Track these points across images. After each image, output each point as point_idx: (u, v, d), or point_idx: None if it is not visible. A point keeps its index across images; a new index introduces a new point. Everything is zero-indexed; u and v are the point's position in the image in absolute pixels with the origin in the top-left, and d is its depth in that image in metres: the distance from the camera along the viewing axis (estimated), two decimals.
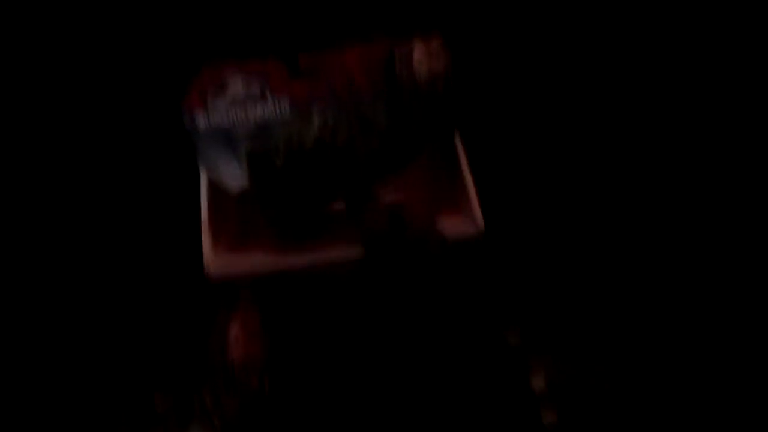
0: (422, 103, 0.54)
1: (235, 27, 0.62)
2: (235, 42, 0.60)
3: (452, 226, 0.54)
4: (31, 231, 0.58)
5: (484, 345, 0.47)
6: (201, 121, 0.54)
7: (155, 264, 0.55)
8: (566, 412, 0.44)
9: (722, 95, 0.61)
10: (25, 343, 0.53)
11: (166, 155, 0.59)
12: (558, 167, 0.59)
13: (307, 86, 0.54)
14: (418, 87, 0.54)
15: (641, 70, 0.63)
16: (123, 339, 0.50)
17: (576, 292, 0.51)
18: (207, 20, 0.62)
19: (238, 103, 0.54)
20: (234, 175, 0.55)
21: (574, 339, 0.47)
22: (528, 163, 0.60)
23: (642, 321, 0.50)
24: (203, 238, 0.54)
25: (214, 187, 0.56)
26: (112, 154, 0.61)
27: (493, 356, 0.46)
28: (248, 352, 0.46)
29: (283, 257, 0.53)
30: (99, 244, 0.57)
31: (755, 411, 0.46)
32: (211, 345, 0.46)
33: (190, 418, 0.44)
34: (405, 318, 0.51)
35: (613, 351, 0.47)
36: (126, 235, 0.57)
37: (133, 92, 0.62)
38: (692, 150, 0.60)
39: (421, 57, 0.54)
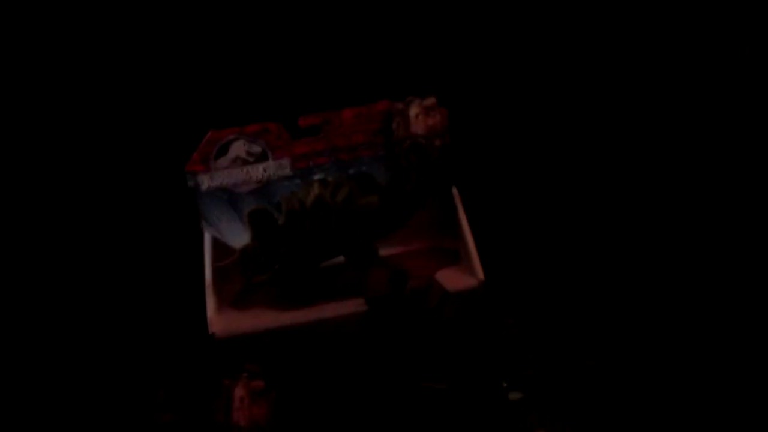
0: (420, 159, 0.55)
1: (237, 92, 0.64)
2: (237, 106, 0.62)
3: (453, 278, 0.55)
4: (31, 288, 0.59)
5: (484, 399, 0.47)
6: (203, 181, 0.55)
7: (158, 327, 0.55)
8: None
9: (724, 103, 0.61)
10: (23, 406, 0.53)
11: (169, 218, 0.60)
12: (556, 218, 0.60)
13: (307, 146, 0.55)
14: (416, 143, 0.55)
15: (638, 117, 0.64)
16: (125, 405, 0.50)
17: (579, 345, 0.51)
18: (209, 87, 0.64)
19: (240, 164, 0.55)
20: (236, 234, 0.56)
21: (577, 396, 0.47)
22: (526, 215, 0.61)
23: (651, 378, 0.50)
24: (207, 298, 0.54)
25: (217, 247, 0.57)
26: (115, 217, 0.62)
27: (492, 411, 0.47)
28: (254, 414, 0.46)
29: (286, 314, 0.54)
30: (103, 305, 0.58)
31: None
32: (215, 408, 0.46)
33: None
34: (407, 372, 0.51)
35: (619, 408, 0.48)
36: (129, 297, 0.57)
37: (137, 157, 0.63)
38: (698, 189, 0.60)
39: (418, 113, 0.55)
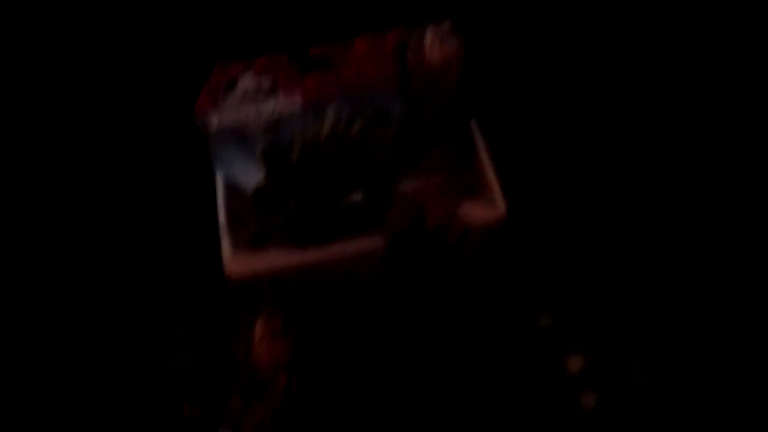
0: (436, 90, 0.53)
1: (244, 26, 0.61)
2: (244, 41, 0.59)
3: (474, 212, 0.53)
4: (48, 238, 0.58)
5: (514, 329, 0.46)
6: (213, 121, 0.53)
7: (175, 270, 0.54)
8: (605, 395, 0.42)
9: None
10: (46, 351, 0.52)
11: (180, 159, 0.58)
12: (578, 147, 0.58)
13: (318, 80, 0.53)
14: (431, 73, 0.53)
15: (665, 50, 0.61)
16: (145, 346, 0.50)
17: (605, 271, 0.50)
18: (215, 21, 0.62)
19: (250, 101, 0.53)
20: (249, 174, 0.54)
21: (608, 320, 0.46)
22: (547, 146, 0.59)
23: (676, 300, 0.49)
24: (222, 240, 0.53)
25: (230, 188, 0.55)
26: (126, 159, 0.60)
27: (524, 340, 0.45)
28: (273, 352, 0.45)
29: (303, 253, 0.52)
30: (118, 251, 0.57)
31: None
32: (235, 348, 0.45)
33: (218, 423, 0.44)
34: (430, 309, 0.50)
35: (649, 331, 0.46)
36: (144, 241, 0.56)
37: (143, 95, 0.62)
38: (714, 118, 0.58)
39: (432, 42, 0.53)
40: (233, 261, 0.52)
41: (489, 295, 0.49)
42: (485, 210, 0.53)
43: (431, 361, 0.48)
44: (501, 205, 0.52)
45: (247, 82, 0.53)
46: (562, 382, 0.43)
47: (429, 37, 0.53)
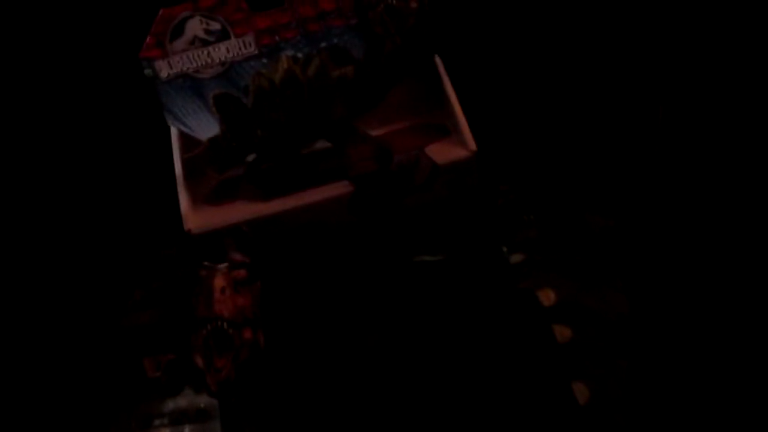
0: (397, 24, 0.50)
1: None
2: None
3: (442, 151, 0.51)
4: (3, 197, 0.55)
5: (484, 264, 0.44)
6: (161, 69, 0.50)
7: (131, 226, 0.51)
8: (580, 327, 0.41)
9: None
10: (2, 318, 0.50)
11: (128, 111, 0.55)
12: (547, 85, 0.56)
13: (270, 19, 0.50)
14: (392, 5, 0.50)
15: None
16: (103, 308, 0.47)
17: (578, 202, 0.48)
18: None
19: (199, 45, 0.50)
20: (204, 124, 0.52)
21: (581, 252, 0.44)
22: (515, 81, 0.56)
23: (656, 234, 0.47)
24: (180, 194, 0.51)
25: (185, 139, 0.52)
26: (73, 111, 0.57)
27: (495, 274, 0.43)
28: (237, 305, 0.42)
29: (266, 205, 0.50)
30: (72, 211, 0.54)
31: None
32: (195, 301, 0.42)
33: (182, 381, 0.41)
34: (400, 248, 0.48)
35: (623, 262, 0.44)
36: (98, 199, 0.54)
37: (84, 45, 0.58)
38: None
39: None
40: (192, 217, 0.50)
41: (458, 234, 0.47)
42: (454, 149, 0.50)
43: (403, 308, 0.46)
44: (471, 143, 0.50)
45: (195, 24, 0.50)
46: (536, 316, 0.42)
47: None
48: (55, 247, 0.53)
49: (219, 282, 0.42)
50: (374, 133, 0.53)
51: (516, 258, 0.44)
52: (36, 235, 0.53)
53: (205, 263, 0.43)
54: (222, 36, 0.50)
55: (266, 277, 0.45)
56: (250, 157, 0.51)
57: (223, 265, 0.43)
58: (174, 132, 0.53)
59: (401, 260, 0.47)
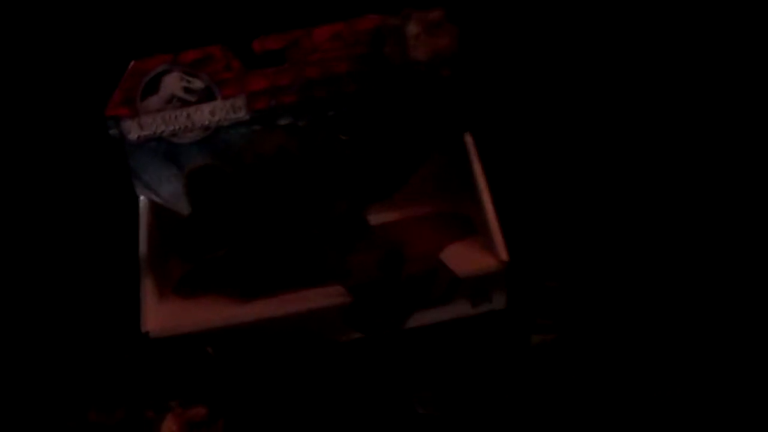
0: (421, 94, 0.42)
1: (170, 11, 0.49)
2: (165, 29, 0.47)
3: (466, 255, 0.42)
4: None
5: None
6: (130, 129, 0.42)
7: (85, 319, 0.43)
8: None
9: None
10: None
11: (93, 175, 0.47)
12: (590, 173, 0.47)
13: (266, 80, 0.43)
14: (416, 73, 0.42)
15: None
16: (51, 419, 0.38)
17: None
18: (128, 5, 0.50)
19: (178, 105, 0.42)
20: (178, 197, 0.44)
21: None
22: (556, 166, 0.48)
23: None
24: (141, 283, 0.42)
25: (154, 213, 0.44)
26: (32, 173, 0.49)
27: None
28: None
29: (242, 307, 0.41)
30: (18, 296, 0.45)
31: None
32: None
33: None
34: (404, 387, 0.39)
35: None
36: (49, 283, 0.45)
37: (45, 98, 0.50)
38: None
39: (418, 33, 0.42)
40: (153, 313, 0.41)
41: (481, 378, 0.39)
42: (481, 255, 0.41)
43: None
44: (501, 251, 0.40)
45: (173, 80, 0.42)
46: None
47: (413, 27, 0.42)
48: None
49: (169, 427, 0.33)
50: (386, 217, 0.45)
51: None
52: None
53: (153, 402, 0.34)
54: (206, 96, 0.42)
55: (232, 414, 0.36)
56: (228, 245, 0.42)
57: (175, 402, 0.34)
58: (143, 203, 0.44)
59: (406, 403, 0.38)
